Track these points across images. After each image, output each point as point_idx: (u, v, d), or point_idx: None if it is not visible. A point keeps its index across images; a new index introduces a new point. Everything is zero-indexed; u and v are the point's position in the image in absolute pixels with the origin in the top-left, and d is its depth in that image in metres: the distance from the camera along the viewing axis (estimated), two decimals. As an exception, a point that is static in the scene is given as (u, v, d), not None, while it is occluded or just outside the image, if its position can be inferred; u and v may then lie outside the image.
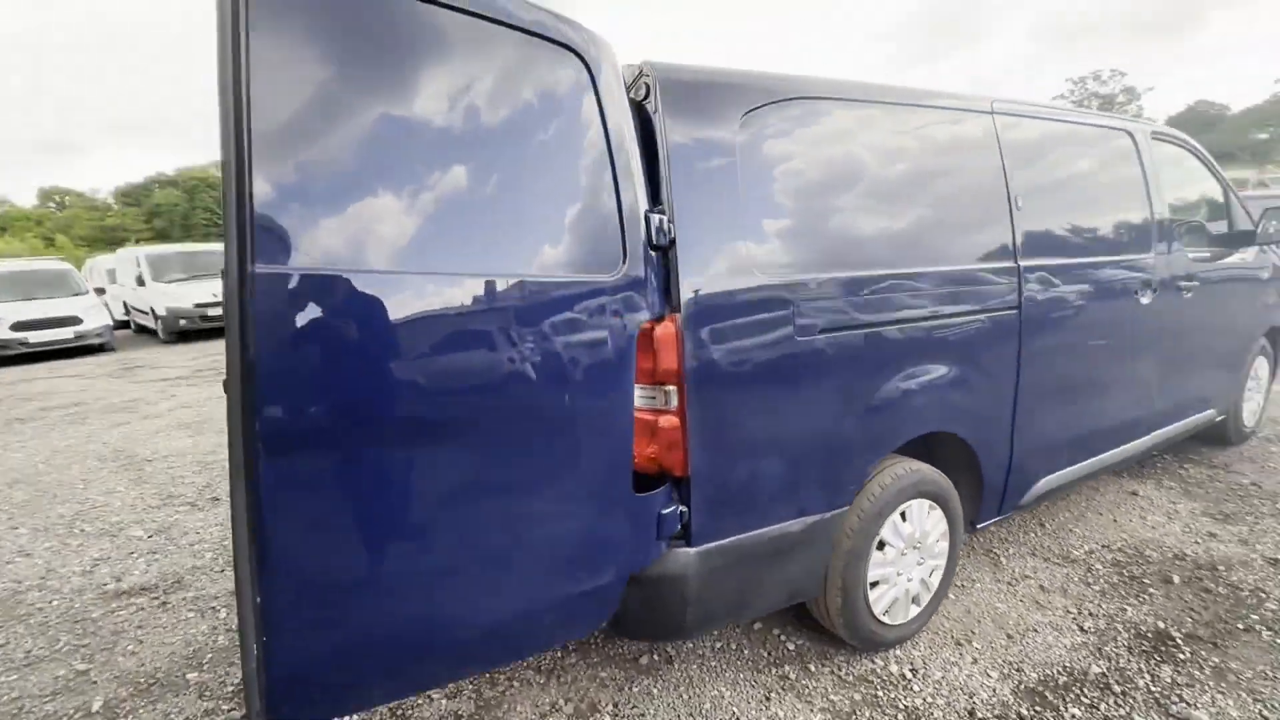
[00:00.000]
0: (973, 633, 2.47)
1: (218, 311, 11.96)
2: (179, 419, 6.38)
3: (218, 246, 15.05)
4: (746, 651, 2.40)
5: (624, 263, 1.54)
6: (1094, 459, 2.96)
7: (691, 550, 1.78)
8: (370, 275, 1.21)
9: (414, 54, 1.27)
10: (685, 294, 1.68)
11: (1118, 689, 2.16)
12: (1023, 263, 2.44)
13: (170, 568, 3.22)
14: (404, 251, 1.25)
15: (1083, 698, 2.12)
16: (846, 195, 2.04)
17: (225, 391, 1.14)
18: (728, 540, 1.85)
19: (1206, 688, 2.15)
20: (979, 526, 2.62)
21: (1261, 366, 4.13)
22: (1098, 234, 2.84)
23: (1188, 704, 2.08)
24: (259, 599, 1.15)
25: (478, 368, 1.33)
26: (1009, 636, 2.44)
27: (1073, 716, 2.05)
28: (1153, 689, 2.15)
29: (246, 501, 1.12)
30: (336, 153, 1.19)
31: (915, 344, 2.14)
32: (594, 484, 1.54)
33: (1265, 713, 2.03)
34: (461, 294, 1.31)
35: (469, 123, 1.34)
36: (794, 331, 1.86)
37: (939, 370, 2.22)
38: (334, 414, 1.19)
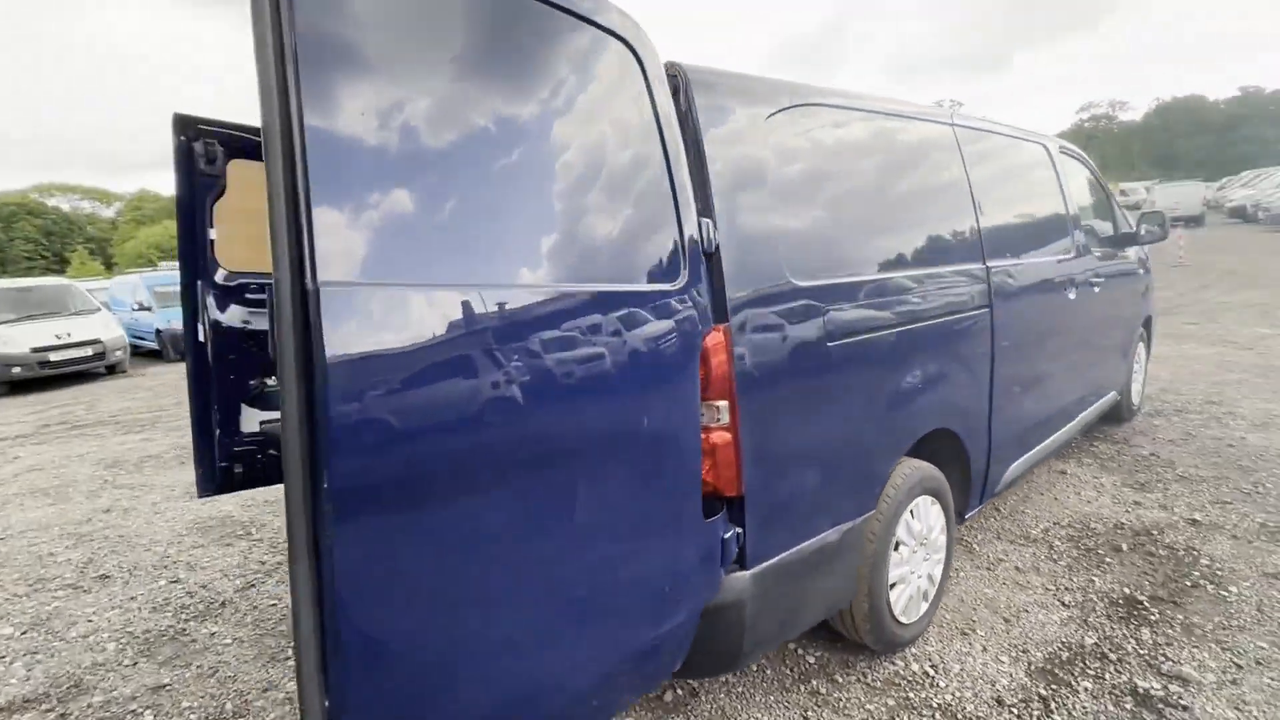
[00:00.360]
0: (973, 621, 2.55)
1: (63, 356, 10.26)
2: (31, 484, 5.34)
3: (59, 281, 12.99)
4: (769, 671, 2.32)
5: (685, 269, 1.43)
6: (1044, 443, 3.21)
7: (747, 574, 1.68)
8: (446, 290, 1.01)
9: (472, 41, 1.10)
10: (732, 302, 1.60)
11: (1113, 657, 2.30)
12: (990, 264, 2.60)
13: (61, 669, 2.62)
14: (471, 261, 1.07)
15: (1088, 670, 2.24)
16: (858, 199, 2.06)
17: (281, 444, 0.90)
18: (776, 559, 1.77)
19: (1183, 644, 2.34)
20: (966, 517, 2.73)
21: (1140, 351, 4.72)
22: (1035, 236, 3.10)
23: (1174, 661, 2.25)
24: (327, 702, 0.90)
25: (560, 391, 1.16)
26: (1005, 620, 2.55)
27: (1085, 690, 2.15)
28: (1140, 652, 2.31)
29: (311, 582, 0.88)
30: (400, 150, 1.00)
31: (922, 343, 2.20)
32: (671, 513, 1.40)
33: (1235, 660, 2.24)
34: (536, 308, 1.14)
35: (529, 119, 1.18)
36: (826, 336, 1.83)
37: (939, 368, 2.29)
38: (420, 456, 0.97)
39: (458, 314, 1.02)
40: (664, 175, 1.40)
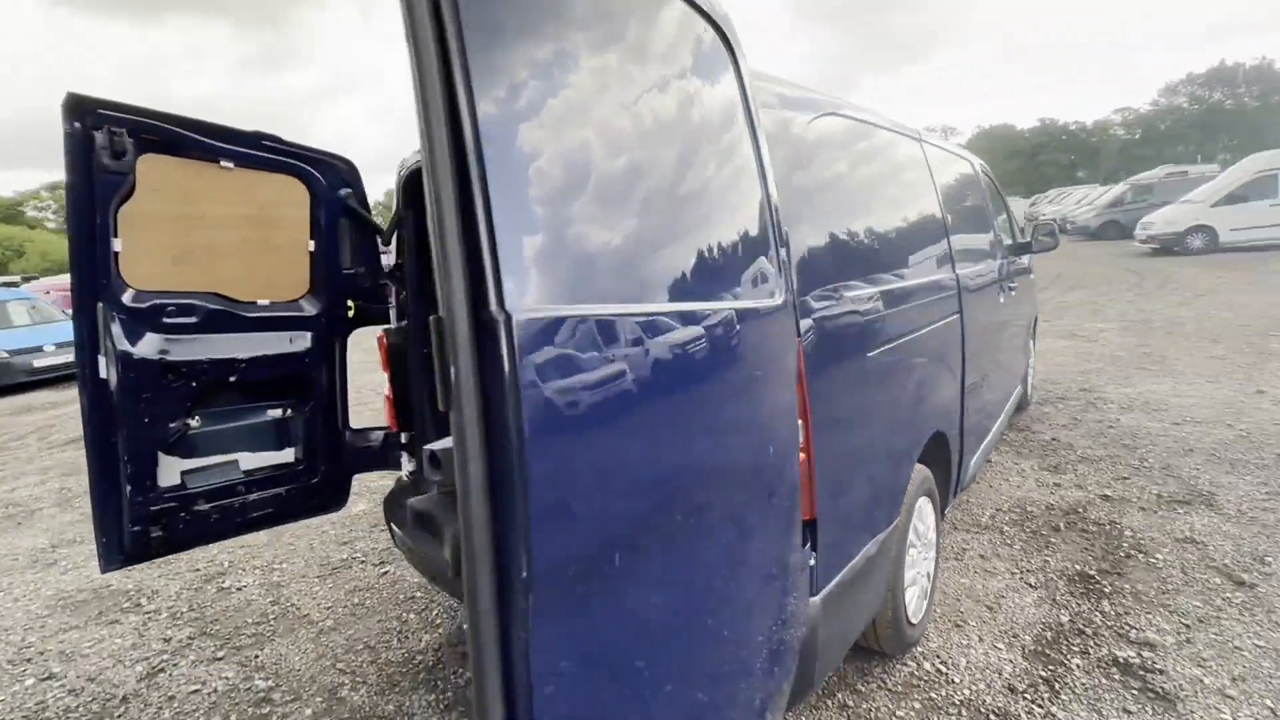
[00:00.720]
0: (961, 612, 2.67)
1: None
2: None
3: None
4: (793, 690, 2.27)
5: (780, 281, 1.33)
6: (990, 436, 3.47)
7: (818, 599, 1.61)
8: (630, 313, 0.83)
9: (613, 41, 0.94)
10: (802, 314, 1.52)
11: (1089, 631, 2.50)
12: (958, 271, 2.76)
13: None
14: (640, 280, 0.90)
15: (1073, 646, 2.41)
16: (876, 208, 2.08)
17: (460, 523, 0.66)
18: (836, 580, 1.72)
19: (1138, 611, 2.60)
20: (945, 513, 2.86)
21: (1030, 347, 5.30)
22: (977, 245, 3.35)
23: (1137, 629, 2.49)
24: None
25: (719, 418, 1.02)
26: (989, 608, 2.69)
27: (1078, 666, 2.31)
28: (1109, 624, 2.54)
29: (502, 700, 0.67)
30: (565, 158, 0.83)
31: (926, 349, 2.26)
32: (787, 542, 1.29)
33: (1182, 621, 2.52)
34: (694, 330, 0.98)
35: (664, 123, 1.04)
36: (866, 346, 1.82)
37: (936, 373, 2.37)
38: (614, 515, 0.78)
39: (639, 340, 0.85)
40: (759, 180, 1.30)
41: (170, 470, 2.18)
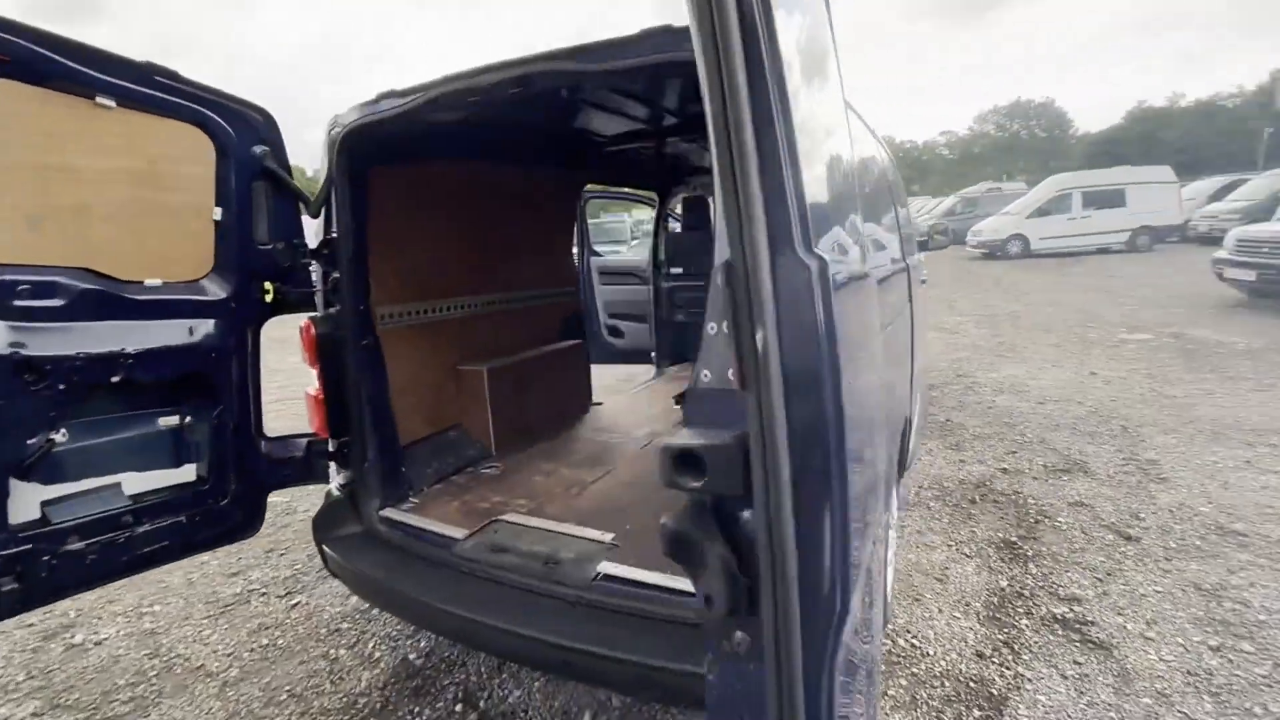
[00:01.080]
0: (915, 586, 2.80)
1: None
2: None
3: None
4: (785, 683, 2.23)
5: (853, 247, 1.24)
6: (918, 418, 3.69)
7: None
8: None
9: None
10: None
11: (1027, 594, 2.72)
12: (908, 261, 2.88)
13: None
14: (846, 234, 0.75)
15: (1018, 609, 2.61)
16: (862, 190, 2.07)
17: (715, 545, 0.46)
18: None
19: (1059, 571, 2.88)
20: (898, 491, 2.99)
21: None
22: (908, 237, 3.55)
23: (1064, 586, 2.75)
24: None
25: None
26: (938, 580, 2.85)
27: (1027, 626, 2.50)
28: (1041, 584, 2.78)
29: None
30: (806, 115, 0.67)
31: (903, 334, 2.31)
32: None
33: (1095, 576, 2.83)
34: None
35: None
36: (882, 326, 1.80)
37: (904, 356, 2.44)
38: (872, 514, 0.62)
39: (872, 294, 0.70)
40: (843, 127, 1.20)
41: (26, 501, 1.66)
